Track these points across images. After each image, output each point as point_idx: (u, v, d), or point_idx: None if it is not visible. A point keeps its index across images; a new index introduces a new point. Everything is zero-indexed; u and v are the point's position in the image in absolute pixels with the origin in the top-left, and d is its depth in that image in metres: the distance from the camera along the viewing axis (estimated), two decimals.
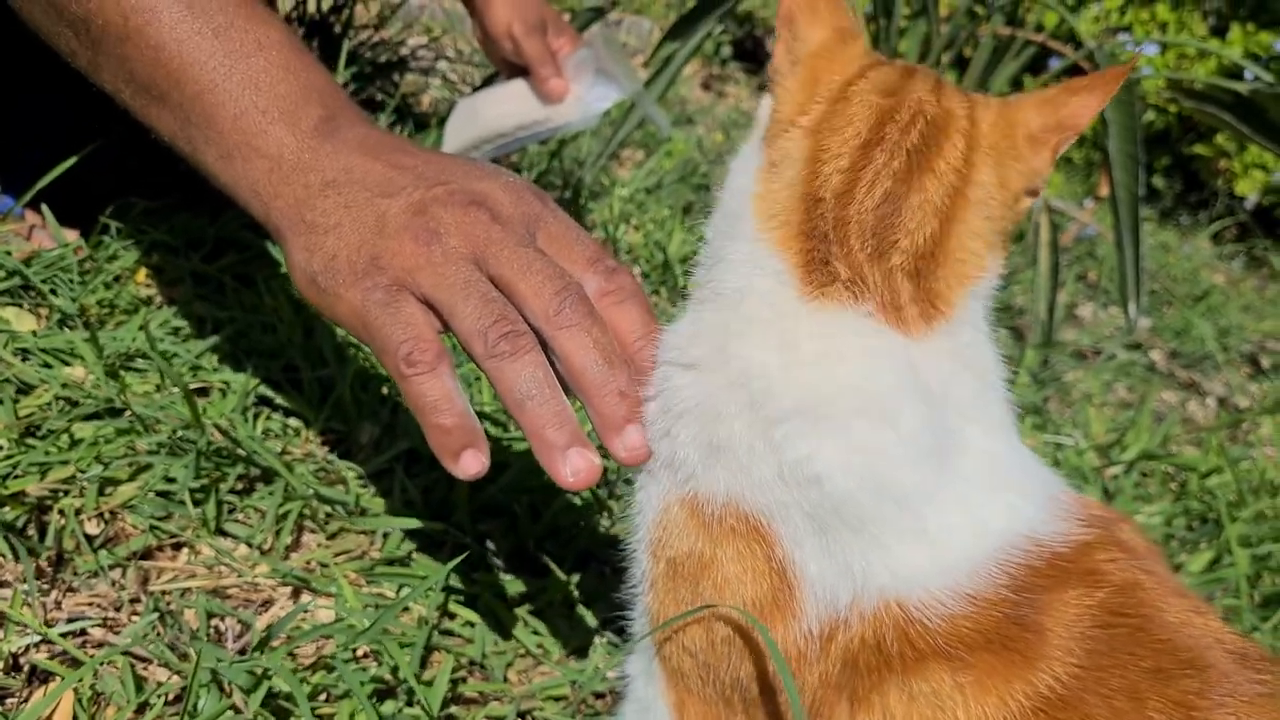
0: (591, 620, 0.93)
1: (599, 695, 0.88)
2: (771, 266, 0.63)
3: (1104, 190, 2.45)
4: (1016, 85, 2.66)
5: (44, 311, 1.08)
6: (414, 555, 0.93)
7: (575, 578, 0.95)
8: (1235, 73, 2.99)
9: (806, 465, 0.58)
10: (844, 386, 0.59)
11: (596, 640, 0.92)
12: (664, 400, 0.65)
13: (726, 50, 3.69)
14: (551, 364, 0.69)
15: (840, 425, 0.59)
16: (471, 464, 0.69)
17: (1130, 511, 1.35)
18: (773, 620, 0.60)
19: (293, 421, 1.05)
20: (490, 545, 0.97)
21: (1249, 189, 3.54)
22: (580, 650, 0.90)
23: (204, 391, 1.04)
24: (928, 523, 0.59)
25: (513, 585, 0.93)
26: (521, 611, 0.91)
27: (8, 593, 0.78)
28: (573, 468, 0.66)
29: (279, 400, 1.05)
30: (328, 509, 0.95)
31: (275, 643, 0.79)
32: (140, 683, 0.75)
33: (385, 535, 0.94)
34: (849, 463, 0.58)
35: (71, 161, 1.09)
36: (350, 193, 0.74)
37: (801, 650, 0.60)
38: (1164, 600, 0.59)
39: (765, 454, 0.60)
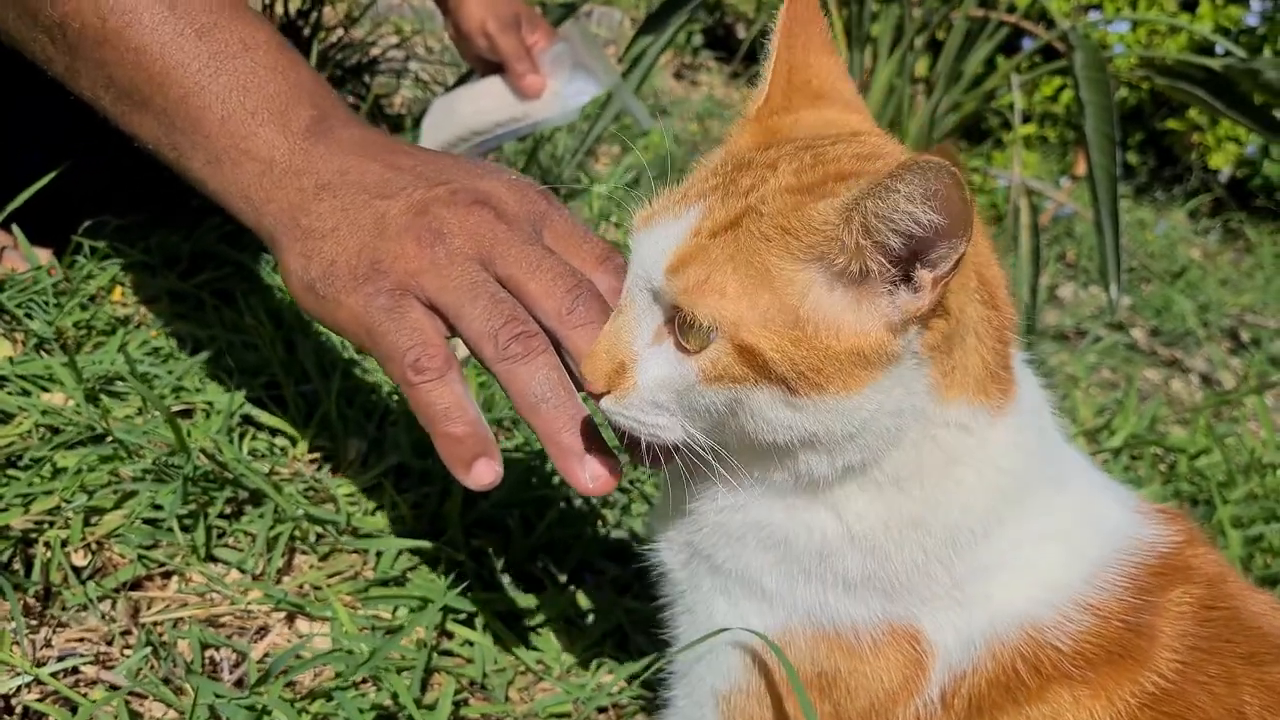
0: (592, 634, 0.91)
1: (602, 710, 0.87)
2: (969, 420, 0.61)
3: (1080, 169, 2.45)
4: (990, 66, 2.66)
5: (19, 336, 1.06)
6: (409, 574, 0.92)
7: (573, 590, 0.94)
8: (1206, 48, 3.00)
9: None
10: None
11: (597, 655, 0.91)
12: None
13: (698, 39, 3.67)
14: (565, 366, 0.67)
15: None
16: (485, 473, 0.67)
17: None
18: (901, 700, 0.61)
19: (279, 440, 1.03)
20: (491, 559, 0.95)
21: (1222, 162, 3.55)
22: (581, 664, 0.89)
23: (187, 413, 1.02)
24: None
25: (511, 601, 0.92)
26: (520, 628, 0.90)
27: None
28: (592, 473, 0.65)
29: (264, 419, 1.03)
30: (319, 529, 0.94)
31: (273, 675, 0.77)
32: (135, 718, 0.73)
33: (378, 554, 0.93)
34: None
35: (42, 184, 1.07)
36: (347, 195, 0.72)
37: (922, 716, 0.61)
38: (1246, 592, 0.63)
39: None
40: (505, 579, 0.94)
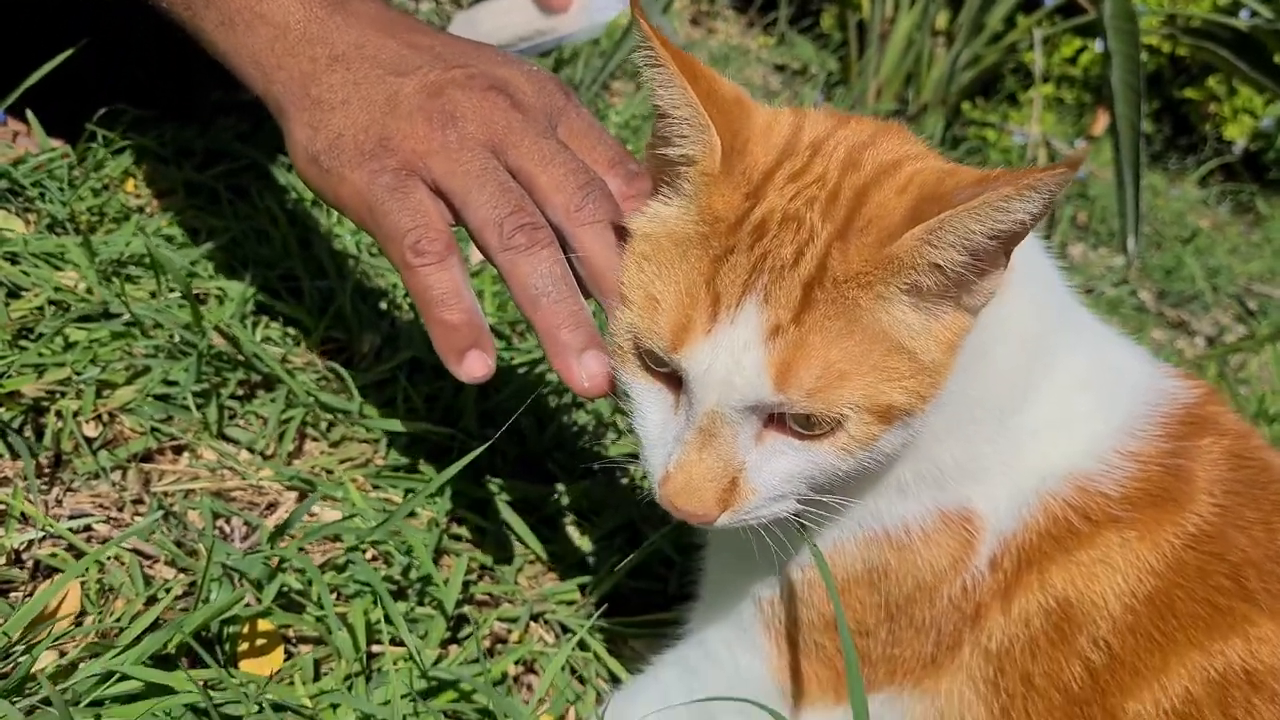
0: (603, 527, 0.91)
1: (609, 600, 0.87)
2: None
3: (1097, 130, 2.43)
4: (1010, 23, 2.63)
5: (32, 217, 1.05)
6: (420, 462, 0.91)
7: (586, 484, 0.93)
8: (1232, 10, 2.97)
9: None
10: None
11: (607, 547, 0.91)
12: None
13: None
14: (570, 265, 0.66)
15: None
16: (477, 366, 0.66)
17: None
18: (948, 579, 0.61)
19: (292, 330, 1.02)
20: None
21: (1237, 133, 3.53)
22: (592, 555, 0.89)
23: (201, 299, 1.01)
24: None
25: (524, 490, 0.91)
26: (532, 518, 0.89)
27: (8, 490, 0.76)
28: (588, 371, 0.64)
29: (278, 308, 1.02)
30: (330, 416, 0.93)
31: (284, 542, 0.77)
32: (147, 579, 0.73)
33: (390, 442, 0.93)
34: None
35: (57, 62, 1.05)
36: (361, 69, 0.70)
37: (968, 586, 0.62)
38: (1270, 449, 0.65)
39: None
40: (517, 471, 0.94)
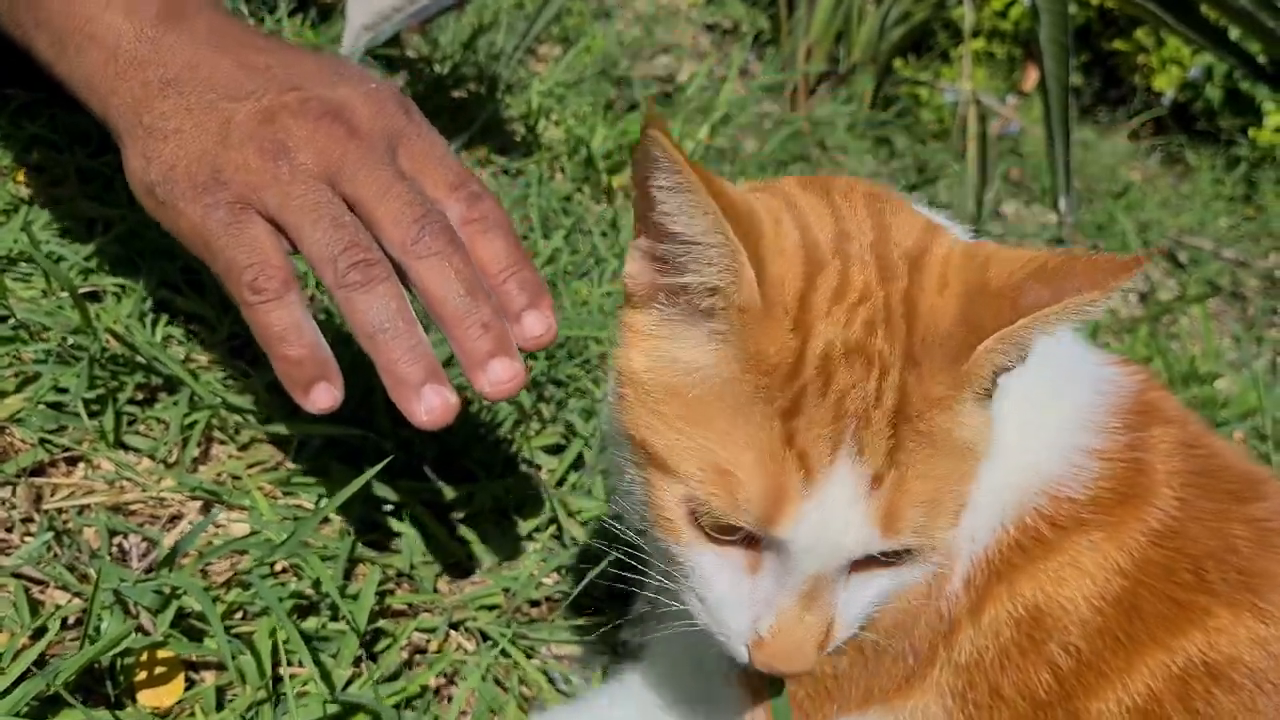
0: (523, 526, 0.88)
1: (534, 604, 0.84)
2: None
3: (1028, 84, 2.43)
4: None
5: None
6: (333, 465, 0.87)
7: (506, 480, 0.90)
8: None
9: None
10: None
11: (529, 547, 0.88)
12: None
13: None
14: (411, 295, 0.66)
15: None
16: (323, 398, 0.66)
17: None
18: (922, 611, 0.60)
19: (196, 327, 0.97)
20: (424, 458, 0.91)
21: (1166, 84, 3.55)
22: (512, 557, 0.86)
23: (96, 296, 0.96)
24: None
25: (439, 491, 0.88)
26: (450, 520, 0.86)
27: None
28: (427, 405, 0.63)
29: (179, 304, 0.97)
30: (238, 419, 0.89)
31: (184, 559, 0.73)
32: (36, 606, 0.69)
33: (301, 444, 0.89)
34: None
35: None
36: (193, 94, 0.67)
37: (944, 611, 0.60)
38: (1210, 433, 0.64)
39: None
40: (435, 470, 0.90)
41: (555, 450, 0.96)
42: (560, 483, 0.93)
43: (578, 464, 0.95)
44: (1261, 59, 2.08)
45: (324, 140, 0.66)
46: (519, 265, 0.68)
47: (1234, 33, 2.30)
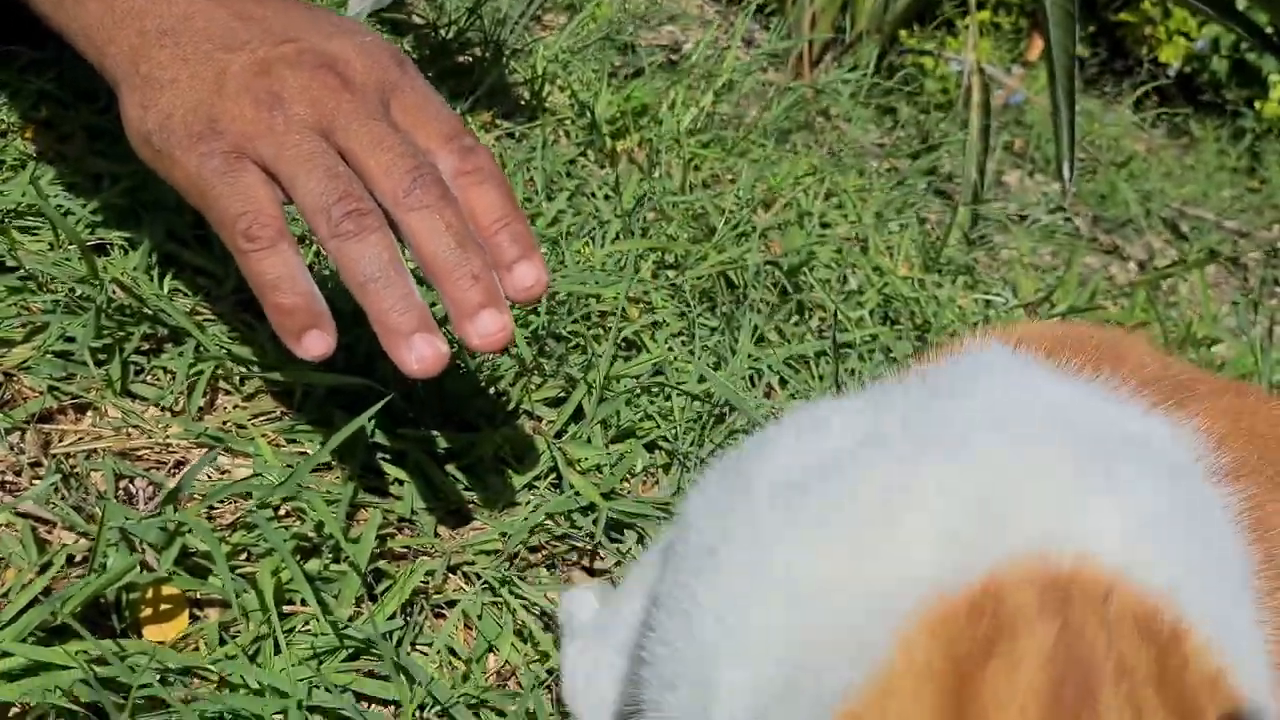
0: (523, 475, 0.90)
1: (532, 549, 0.86)
2: None
3: (1034, 53, 2.42)
4: None
5: None
6: (336, 414, 0.89)
7: (508, 430, 0.91)
8: None
9: None
10: None
11: (528, 495, 0.89)
12: None
13: None
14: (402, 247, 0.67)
15: None
16: (316, 345, 0.67)
17: None
18: None
19: (203, 280, 0.99)
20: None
21: (1172, 56, 3.54)
22: (511, 505, 0.88)
23: (103, 249, 0.97)
24: None
25: (442, 440, 0.89)
26: (451, 468, 0.88)
27: None
28: (418, 354, 0.65)
29: (186, 258, 0.98)
30: (243, 369, 0.90)
31: (189, 502, 0.75)
32: (43, 545, 0.70)
33: (305, 395, 0.90)
34: None
35: None
36: (189, 44, 0.69)
37: None
38: None
39: None
40: (436, 419, 0.92)
41: (555, 403, 0.98)
42: (560, 434, 0.95)
43: (578, 415, 0.96)
44: (1269, 29, 2.08)
45: (318, 91, 0.67)
46: (511, 218, 0.69)
47: (1241, 2, 2.29)
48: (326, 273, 1.03)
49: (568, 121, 1.63)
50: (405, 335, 0.64)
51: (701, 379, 1.05)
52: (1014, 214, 2.19)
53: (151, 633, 0.67)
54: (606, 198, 1.41)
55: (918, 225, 1.74)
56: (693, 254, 1.30)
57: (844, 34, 2.54)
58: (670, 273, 1.28)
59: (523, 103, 1.61)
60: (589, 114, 1.58)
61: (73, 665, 0.59)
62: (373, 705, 0.69)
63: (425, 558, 0.81)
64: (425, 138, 0.70)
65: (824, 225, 1.56)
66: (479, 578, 0.81)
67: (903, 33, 2.89)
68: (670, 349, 1.12)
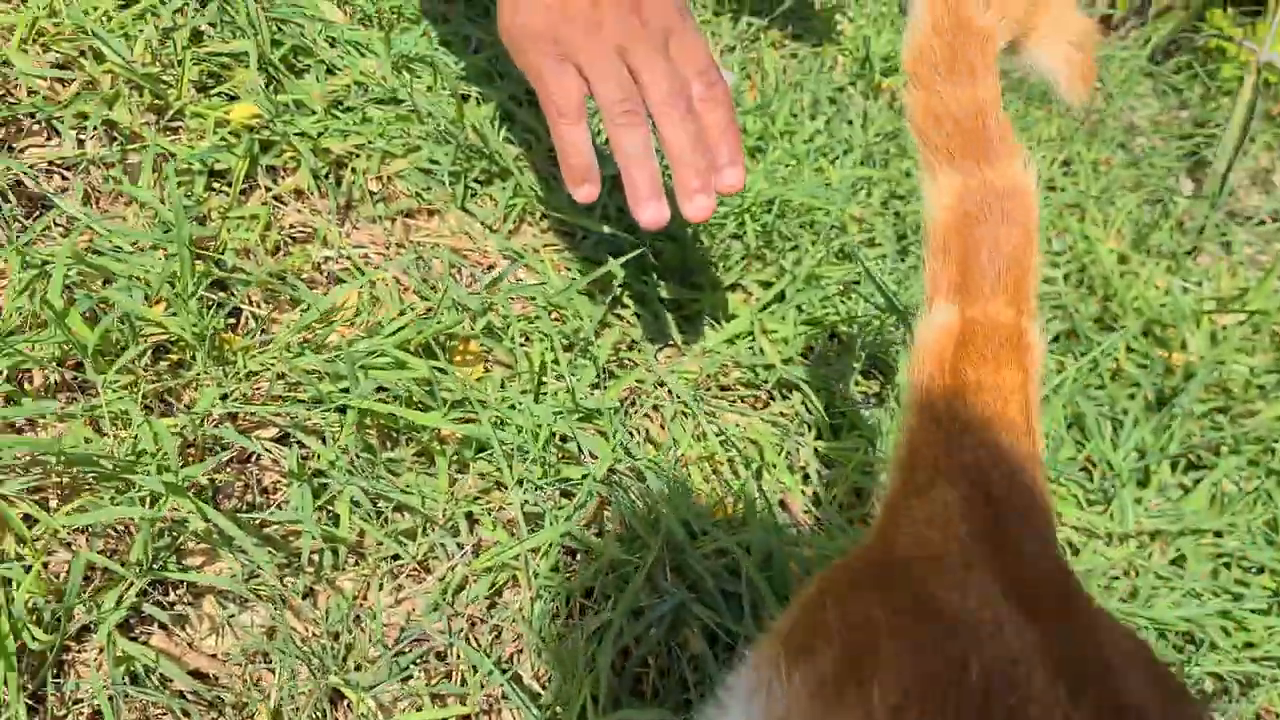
0: (727, 333, 1.18)
1: (724, 389, 1.15)
2: None
3: None
4: None
5: (348, 9, 1.35)
6: (606, 257, 1.20)
7: (722, 295, 1.20)
8: None
9: None
10: None
11: (726, 347, 1.18)
12: None
13: None
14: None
15: None
16: (586, 193, 0.96)
17: (1226, 360, 1.51)
18: None
19: (529, 136, 1.30)
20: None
21: None
22: (714, 352, 1.17)
23: (465, 98, 1.30)
24: None
25: (675, 290, 1.19)
26: (674, 315, 1.17)
27: (319, 219, 1.08)
28: (651, 213, 0.93)
29: (520, 116, 1.30)
30: (544, 208, 1.22)
31: (496, 291, 1.07)
32: (401, 299, 1.05)
33: (584, 237, 1.21)
34: None
35: None
36: None
37: None
38: None
39: None
40: (673, 276, 1.21)
41: (766, 285, 1.25)
42: (764, 309, 1.22)
43: (781, 297, 1.24)
44: None
45: (624, 25, 0.94)
46: (731, 132, 0.96)
47: None
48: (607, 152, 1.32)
49: (847, 53, 1.84)
50: (644, 199, 0.93)
51: (883, 291, 1.29)
52: (1269, 214, 2.24)
53: (459, 371, 1.00)
54: (862, 127, 1.63)
55: (1151, 205, 1.87)
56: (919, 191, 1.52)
57: (1150, 4, 2.58)
58: (899, 202, 1.51)
59: (813, 29, 1.84)
60: (866, 49, 1.80)
61: (420, 371, 0.94)
62: (588, 453, 1.01)
63: (644, 370, 1.11)
64: (686, 68, 0.96)
65: (1049, 188, 1.73)
66: (677, 396, 1.11)
67: (1216, 12, 2.88)
68: (878, 263, 1.37)
